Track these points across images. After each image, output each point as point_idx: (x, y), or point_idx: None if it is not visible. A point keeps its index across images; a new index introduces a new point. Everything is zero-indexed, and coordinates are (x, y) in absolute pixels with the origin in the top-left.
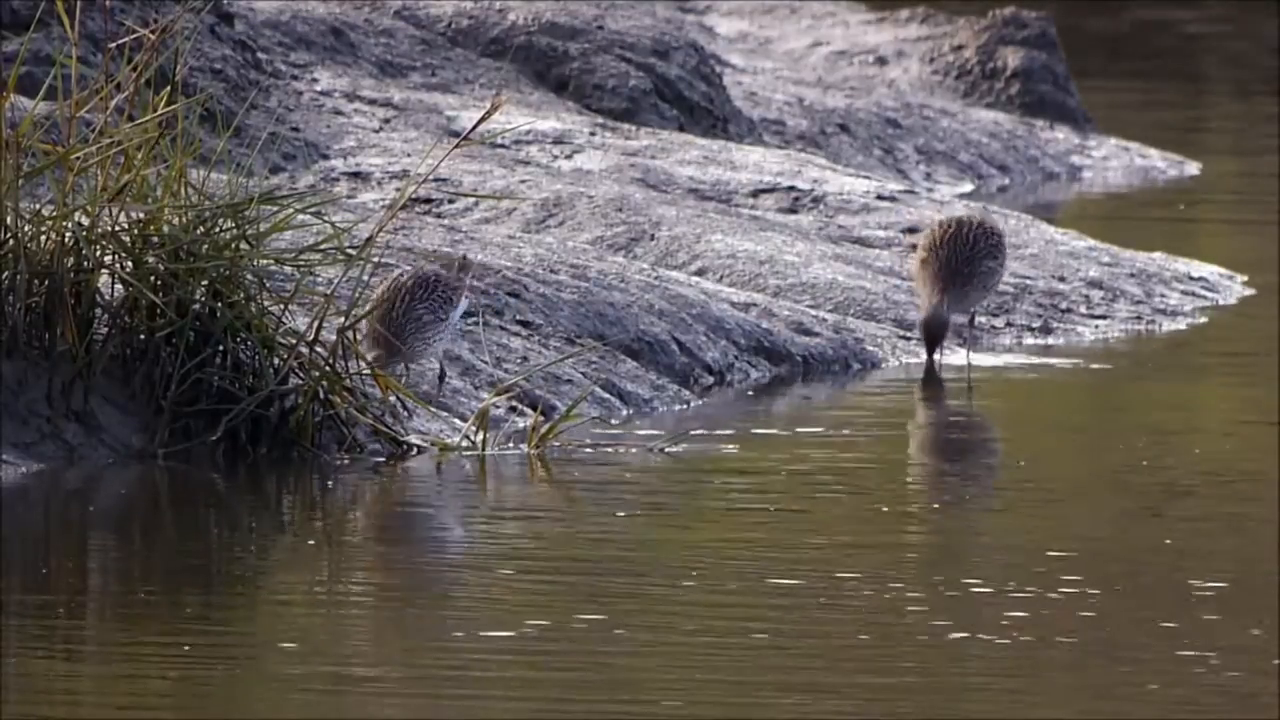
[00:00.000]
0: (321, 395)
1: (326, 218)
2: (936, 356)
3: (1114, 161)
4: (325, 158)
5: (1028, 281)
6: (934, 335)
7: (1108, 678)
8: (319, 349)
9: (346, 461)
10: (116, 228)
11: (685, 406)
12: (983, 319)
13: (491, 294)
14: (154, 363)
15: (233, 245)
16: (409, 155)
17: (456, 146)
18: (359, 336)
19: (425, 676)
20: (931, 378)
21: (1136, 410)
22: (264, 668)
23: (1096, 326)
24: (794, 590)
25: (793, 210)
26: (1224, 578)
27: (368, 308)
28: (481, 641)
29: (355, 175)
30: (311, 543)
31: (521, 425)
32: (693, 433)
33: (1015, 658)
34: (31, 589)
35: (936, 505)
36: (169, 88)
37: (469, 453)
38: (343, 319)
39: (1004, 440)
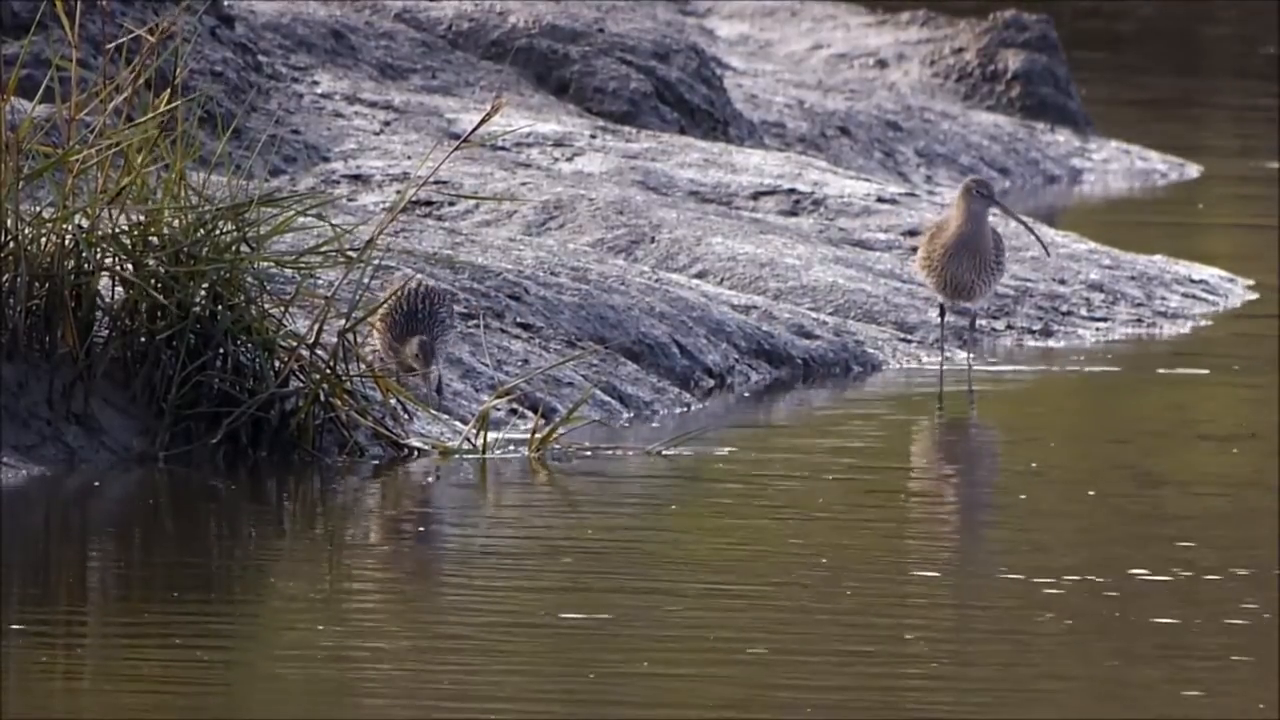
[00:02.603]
0: (322, 398)
1: (327, 220)
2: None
3: (1115, 164)
4: (326, 160)
5: (1028, 284)
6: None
7: (1108, 677)
8: (320, 352)
9: (347, 464)
10: (117, 230)
11: (686, 409)
12: (983, 321)
13: (492, 296)
14: (154, 365)
15: (233, 248)
16: (409, 158)
17: (457, 149)
18: (411, 354)
19: (426, 677)
20: (932, 380)
21: (1137, 413)
22: (264, 669)
23: (1097, 329)
24: (795, 592)
25: (793, 213)
26: (1223, 577)
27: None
28: (482, 643)
29: (356, 178)
30: (312, 545)
31: (522, 428)
32: (693, 435)
33: (1015, 658)
34: (32, 591)
35: (937, 506)
36: (169, 90)
37: (469, 455)
38: (343, 321)
39: (1004, 442)
